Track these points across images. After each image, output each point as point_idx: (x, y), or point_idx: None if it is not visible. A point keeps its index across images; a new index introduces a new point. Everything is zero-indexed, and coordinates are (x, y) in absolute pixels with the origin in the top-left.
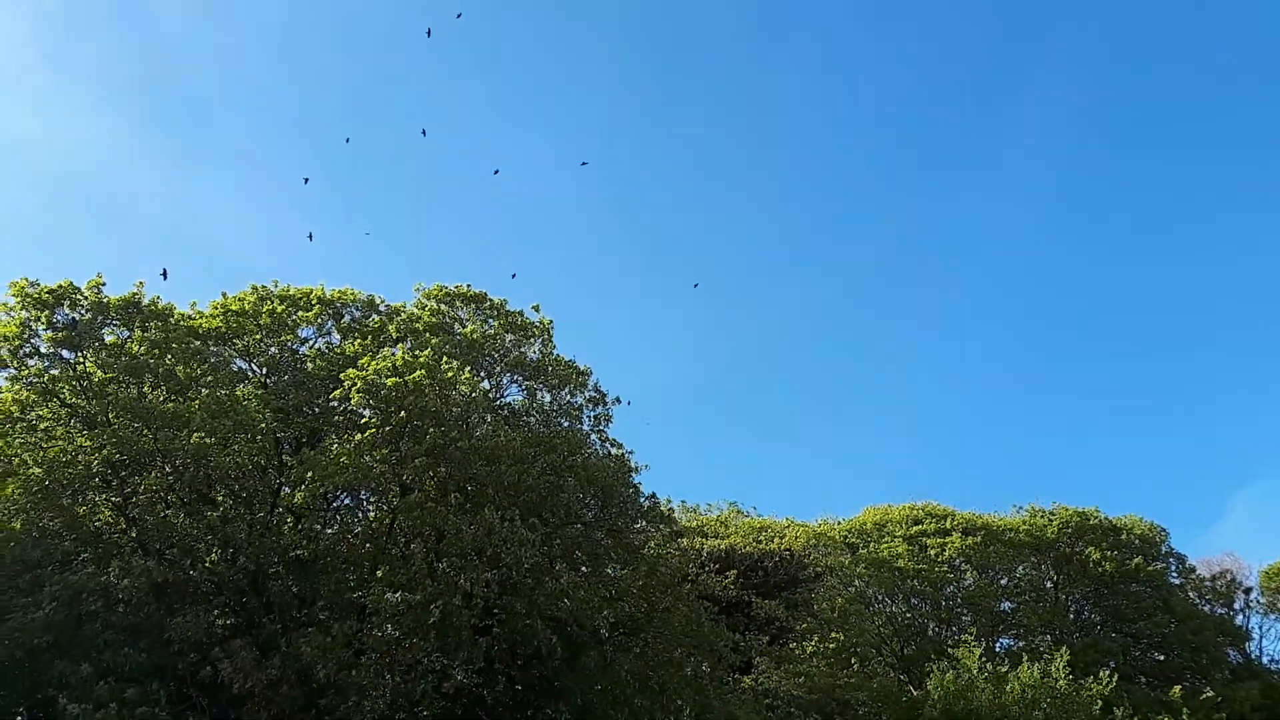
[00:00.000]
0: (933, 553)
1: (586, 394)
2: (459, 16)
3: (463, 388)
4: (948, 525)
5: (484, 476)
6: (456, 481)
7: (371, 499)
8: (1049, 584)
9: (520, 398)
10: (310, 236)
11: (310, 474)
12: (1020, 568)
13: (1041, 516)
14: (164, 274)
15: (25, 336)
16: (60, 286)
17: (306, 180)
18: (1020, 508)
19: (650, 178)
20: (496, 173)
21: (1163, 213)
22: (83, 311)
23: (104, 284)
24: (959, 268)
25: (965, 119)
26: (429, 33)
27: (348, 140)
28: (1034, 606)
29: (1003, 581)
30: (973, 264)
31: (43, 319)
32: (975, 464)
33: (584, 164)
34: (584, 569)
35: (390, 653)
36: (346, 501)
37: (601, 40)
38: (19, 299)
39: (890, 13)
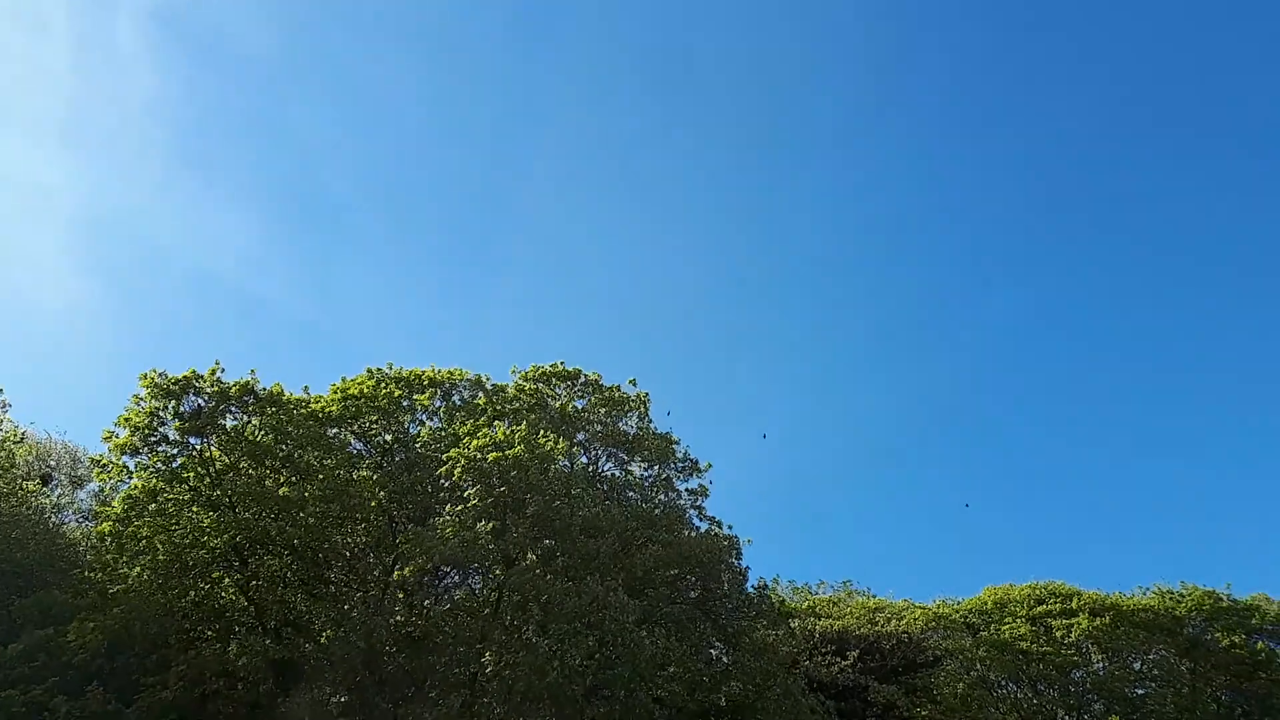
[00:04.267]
0: (1058, 634)
1: (682, 464)
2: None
3: (559, 459)
4: (1073, 605)
5: (587, 550)
6: (561, 553)
7: (478, 573)
8: (1184, 669)
9: (617, 472)
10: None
11: (416, 549)
12: (1153, 652)
13: (1171, 597)
14: None
15: (154, 425)
16: (185, 376)
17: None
18: (1146, 588)
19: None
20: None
21: None
22: (205, 400)
23: (223, 371)
24: (1074, 334)
25: None
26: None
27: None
28: (1169, 693)
29: (1135, 666)
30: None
31: (169, 408)
32: (1099, 540)
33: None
34: (687, 647)
35: None
36: (454, 578)
37: (707, 129)
38: (149, 390)
39: None
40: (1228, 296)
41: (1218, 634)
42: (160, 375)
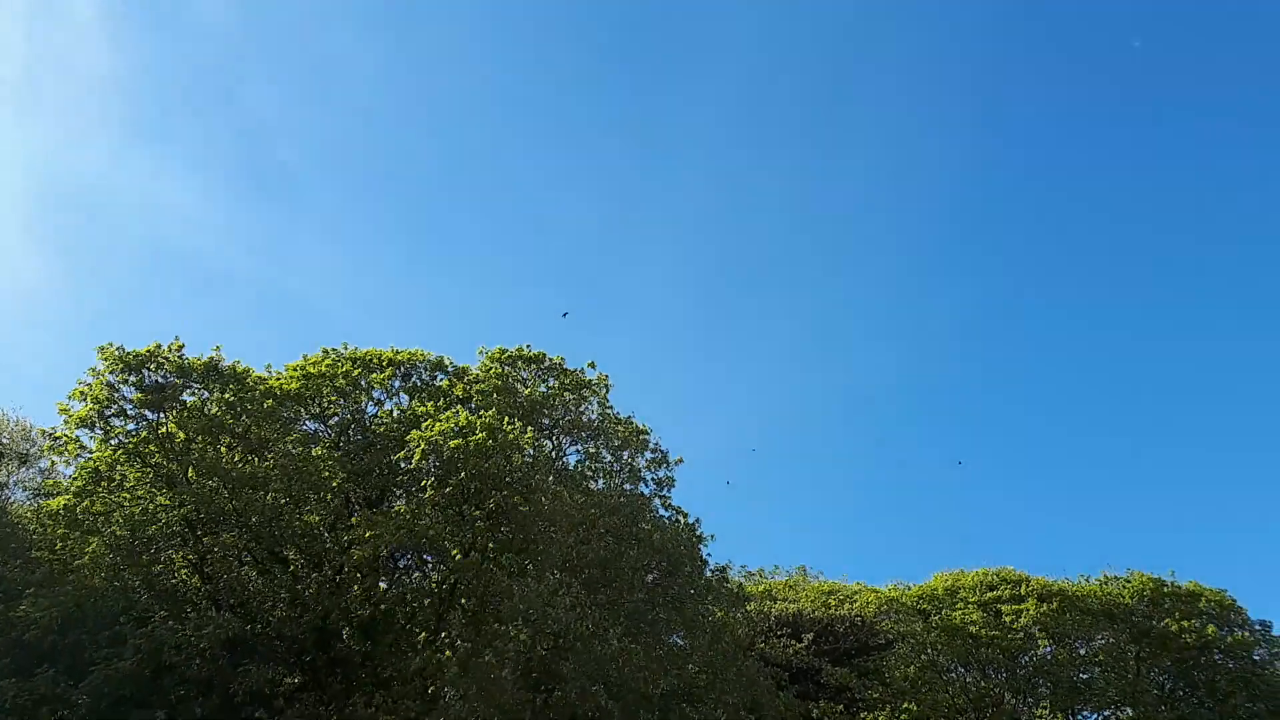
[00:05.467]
0: (1008, 619)
1: (647, 455)
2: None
3: (525, 448)
4: (1022, 591)
5: (545, 541)
6: (517, 545)
7: (433, 560)
8: (1130, 654)
9: (581, 458)
10: (565, 314)
11: (369, 533)
12: (1099, 637)
13: (1116, 583)
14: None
15: (113, 399)
16: (147, 350)
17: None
18: (1089, 577)
19: (726, 238)
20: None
21: None
22: (165, 374)
23: (184, 347)
24: (1031, 328)
25: None
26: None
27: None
28: (1114, 678)
29: (1081, 651)
30: (1044, 318)
31: (129, 382)
32: (1050, 527)
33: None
34: (644, 637)
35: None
36: (409, 561)
37: (664, 115)
38: (107, 363)
39: None
40: (1174, 286)
41: (1163, 619)
42: (120, 349)
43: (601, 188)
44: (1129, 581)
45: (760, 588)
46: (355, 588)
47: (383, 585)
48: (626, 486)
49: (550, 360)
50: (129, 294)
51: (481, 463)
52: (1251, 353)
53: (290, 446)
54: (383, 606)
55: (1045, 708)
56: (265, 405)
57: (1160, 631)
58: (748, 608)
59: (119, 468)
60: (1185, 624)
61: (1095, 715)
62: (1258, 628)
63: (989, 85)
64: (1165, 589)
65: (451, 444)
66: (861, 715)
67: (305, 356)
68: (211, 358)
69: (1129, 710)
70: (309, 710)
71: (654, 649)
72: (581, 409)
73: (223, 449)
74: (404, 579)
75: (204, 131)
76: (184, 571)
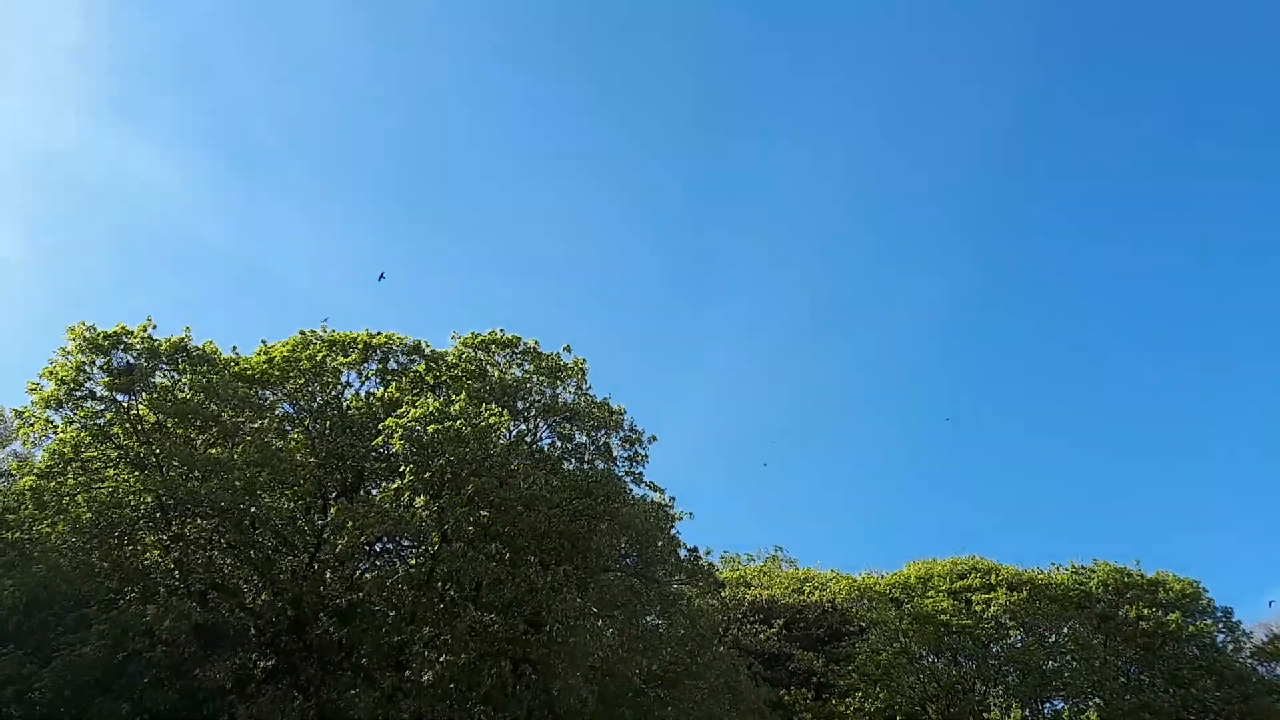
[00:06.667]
0: (978, 608)
1: (622, 434)
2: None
3: (501, 432)
4: (992, 580)
5: (521, 523)
6: (496, 529)
7: (412, 546)
8: (1096, 643)
9: (555, 441)
10: (381, 276)
11: (350, 524)
12: (1067, 626)
13: (1082, 573)
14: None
15: (81, 380)
16: (115, 331)
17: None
18: (1059, 566)
19: (704, 222)
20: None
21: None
22: (135, 355)
23: (154, 327)
24: (1014, 317)
25: None
26: None
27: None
28: (1082, 666)
29: (1050, 640)
30: (1032, 317)
31: (98, 363)
32: (1026, 517)
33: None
34: (618, 614)
35: (431, 704)
36: (388, 546)
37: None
38: (76, 343)
39: None
40: (1132, 282)
41: (1127, 608)
42: (89, 329)
43: (584, 173)
44: (1094, 571)
45: (735, 574)
46: (329, 574)
47: (360, 570)
48: (599, 464)
49: (525, 344)
50: (103, 272)
51: (460, 448)
52: (1234, 347)
53: (263, 431)
54: (360, 593)
55: (1015, 696)
56: (235, 388)
57: (1123, 620)
58: (722, 593)
59: (87, 450)
60: (1147, 612)
61: (1063, 703)
62: (1219, 615)
63: (975, 84)
64: (1130, 578)
65: (429, 429)
66: (833, 702)
67: (264, 342)
68: (180, 339)
69: (1096, 699)
70: (282, 695)
71: (629, 630)
72: (557, 392)
73: (193, 432)
74: (380, 565)
75: (180, 109)
76: (156, 553)
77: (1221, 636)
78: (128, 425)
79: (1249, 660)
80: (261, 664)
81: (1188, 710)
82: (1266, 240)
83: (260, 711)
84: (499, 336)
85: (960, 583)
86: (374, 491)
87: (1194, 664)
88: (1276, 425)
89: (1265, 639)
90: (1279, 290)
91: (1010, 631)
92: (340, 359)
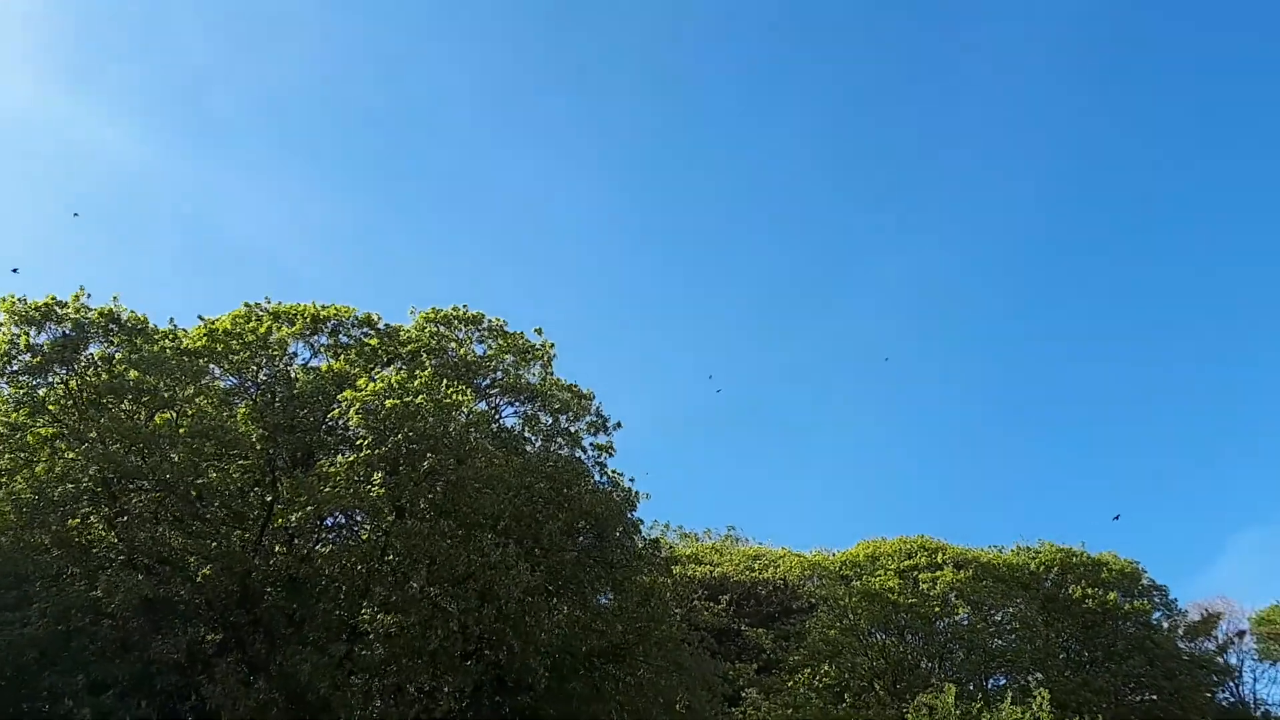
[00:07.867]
0: (925, 587)
1: (588, 419)
2: None
3: (463, 409)
4: (939, 559)
5: (478, 502)
6: (452, 506)
7: (365, 520)
8: (1040, 621)
9: (518, 421)
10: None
11: (303, 497)
12: (1011, 604)
13: (1027, 553)
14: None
15: (12, 354)
16: (46, 303)
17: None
18: (1004, 547)
19: (669, 208)
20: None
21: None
22: (66, 328)
23: (88, 297)
24: (964, 303)
25: None
26: None
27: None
28: (1025, 644)
29: (995, 618)
30: (977, 298)
31: (30, 335)
32: (974, 500)
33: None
34: (571, 595)
35: (381, 674)
36: (340, 520)
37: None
38: (8, 315)
39: None
40: (1101, 271)
41: (1071, 587)
42: (20, 301)
43: (548, 146)
44: (1038, 552)
45: (688, 550)
46: (279, 548)
47: (311, 544)
48: (563, 451)
49: (490, 321)
50: (49, 241)
51: (418, 424)
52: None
53: (206, 405)
54: (312, 566)
55: (960, 672)
56: (171, 360)
57: (1066, 599)
58: (674, 571)
59: (23, 426)
60: (1089, 591)
61: (1006, 679)
62: (1155, 594)
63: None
64: (1074, 558)
65: (388, 404)
66: (783, 677)
67: (202, 317)
68: (110, 309)
69: (1039, 674)
70: (231, 670)
71: (580, 606)
72: (521, 372)
73: (128, 403)
74: (333, 539)
75: (132, 75)
76: (98, 530)
77: (1158, 614)
78: (62, 400)
79: (1181, 638)
80: (210, 637)
81: (1125, 686)
82: (1200, 223)
83: (227, 688)
84: (462, 312)
85: (908, 561)
86: (327, 465)
87: (1129, 641)
88: (1226, 408)
89: (1198, 619)
90: (1217, 274)
91: (957, 609)
92: (285, 329)
